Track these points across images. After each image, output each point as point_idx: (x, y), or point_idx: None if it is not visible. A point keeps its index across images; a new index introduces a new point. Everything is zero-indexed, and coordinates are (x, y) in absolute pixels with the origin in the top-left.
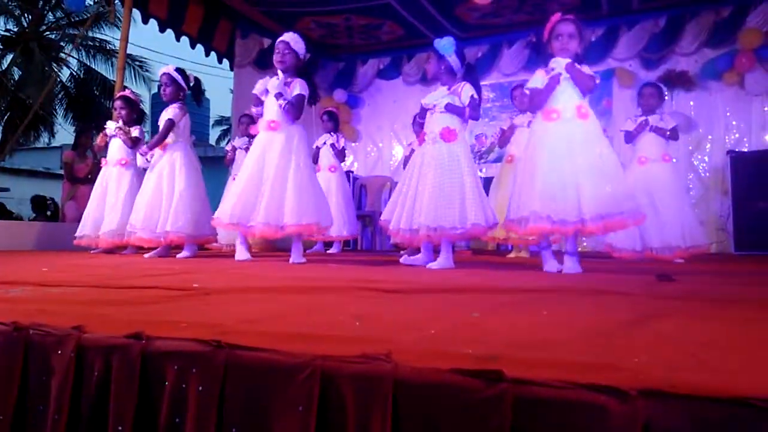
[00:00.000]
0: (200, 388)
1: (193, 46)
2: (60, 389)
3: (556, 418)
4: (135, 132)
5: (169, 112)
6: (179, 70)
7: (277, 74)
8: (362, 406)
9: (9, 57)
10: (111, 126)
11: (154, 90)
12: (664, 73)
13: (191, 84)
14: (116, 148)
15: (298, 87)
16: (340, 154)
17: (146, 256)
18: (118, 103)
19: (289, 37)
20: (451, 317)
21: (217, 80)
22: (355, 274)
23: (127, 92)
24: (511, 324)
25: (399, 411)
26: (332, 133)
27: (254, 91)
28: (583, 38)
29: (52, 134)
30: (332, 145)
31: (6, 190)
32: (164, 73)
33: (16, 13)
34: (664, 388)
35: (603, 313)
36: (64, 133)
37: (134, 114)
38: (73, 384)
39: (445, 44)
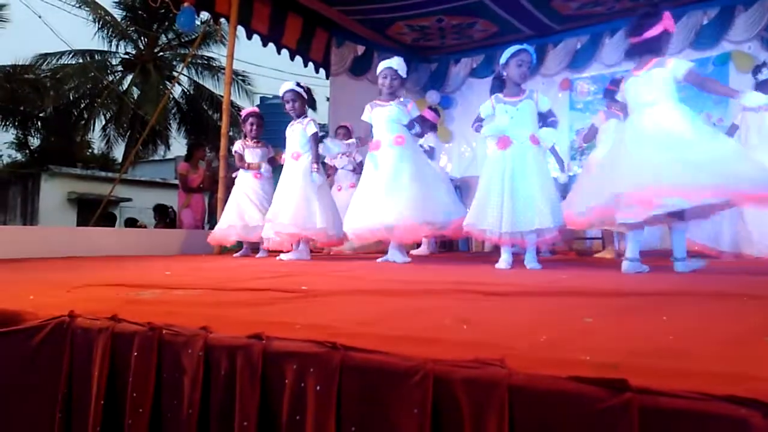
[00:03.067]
0: (318, 387)
1: (292, 58)
2: (191, 386)
3: (690, 431)
4: (259, 153)
5: (311, 127)
6: (298, 84)
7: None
8: (477, 412)
9: (129, 78)
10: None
11: (257, 102)
12: None
13: (308, 94)
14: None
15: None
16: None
17: (283, 257)
18: (253, 120)
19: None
20: (562, 322)
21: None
22: (455, 276)
23: (256, 110)
24: (627, 330)
25: (515, 418)
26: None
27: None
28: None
29: (167, 147)
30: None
31: (129, 200)
32: (289, 90)
33: (134, 37)
34: None
35: (732, 318)
36: (178, 145)
37: (262, 128)
38: (203, 381)
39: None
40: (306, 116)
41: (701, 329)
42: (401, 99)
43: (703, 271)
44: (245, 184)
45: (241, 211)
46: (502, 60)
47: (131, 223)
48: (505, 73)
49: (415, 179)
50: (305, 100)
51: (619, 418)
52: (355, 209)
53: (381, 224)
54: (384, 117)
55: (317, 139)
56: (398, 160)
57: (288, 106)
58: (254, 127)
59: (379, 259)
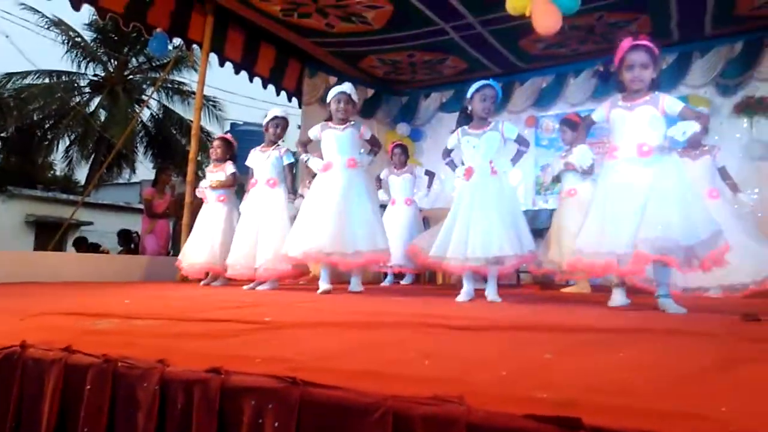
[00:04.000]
0: (276, 423)
1: (265, 86)
2: (146, 421)
3: None
4: (230, 168)
5: (289, 157)
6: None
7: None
8: None
9: (96, 100)
10: (205, 183)
11: (227, 128)
12: (742, 100)
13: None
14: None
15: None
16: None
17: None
18: (216, 143)
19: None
20: (523, 357)
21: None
22: (422, 308)
23: (228, 136)
24: (586, 366)
25: None
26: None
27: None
28: (658, 64)
29: (133, 170)
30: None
31: (90, 223)
32: (280, 117)
33: (104, 59)
34: None
35: (685, 356)
36: (144, 169)
37: (228, 154)
38: (158, 416)
39: None
40: (280, 145)
41: (655, 366)
42: (353, 123)
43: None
44: (210, 211)
45: (209, 238)
46: (468, 94)
47: (93, 248)
48: (470, 107)
49: (363, 204)
50: (286, 129)
51: None
52: (300, 230)
53: (320, 247)
54: (337, 139)
55: (293, 170)
56: (348, 183)
57: (272, 131)
58: (217, 150)
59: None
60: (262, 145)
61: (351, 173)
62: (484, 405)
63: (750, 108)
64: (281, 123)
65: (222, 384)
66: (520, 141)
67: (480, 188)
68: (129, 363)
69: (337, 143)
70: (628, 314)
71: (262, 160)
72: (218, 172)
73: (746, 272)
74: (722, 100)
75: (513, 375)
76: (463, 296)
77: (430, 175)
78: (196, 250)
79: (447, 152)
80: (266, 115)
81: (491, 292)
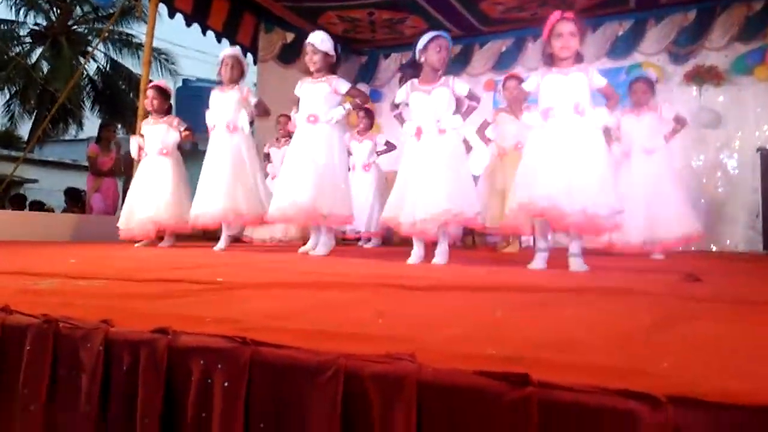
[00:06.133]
0: (226, 383)
1: (218, 40)
2: (90, 382)
3: (585, 424)
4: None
5: (253, 96)
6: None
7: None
8: (386, 407)
9: (38, 51)
10: (137, 142)
11: (179, 84)
12: (692, 68)
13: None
14: (155, 139)
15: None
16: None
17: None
18: (150, 93)
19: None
20: (475, 316)
21: None
22: (379, 270)
23: (161, 82)
24: (534, 324)
25: (423, 412)
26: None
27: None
28: (584, 36)
29: (80, 126)
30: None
31: (35, 181)
32: (234, 55)
33: (45, 8)
34: (695, 395)
35: (629, 315)
36: (91, 125)
37: (165, 105)
38: (102, 377)
39: None
40: (240, 85)
41: (599, 324)
42: (327, 76)
43: (610, 268)
44: (152, 165)
45: (154, 194)
46: (420, 45)
47: (37, 207)
48: (423, 59)
49: (320, 161)
50: (242, 71)
51: (520, 412)
52: (279, 188)
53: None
54: (308, 94)
55: (265, 105)
56: (311, 140)
57: (225, 69)
58: (153, 101)
59: (300, 249)
60: (219, 87)
61: (313, 130)
62: (435, 362)
63: (699, 76)
64: (230, 62)
65: (169, 344)
66: (471, 96)
67: (428, 147)
68: (71, 323)
69: (307, 97)
70: (576, 275)
71: (220, 103)
72: (158, 125)
73: (666, 229)
74: (674, 68)
75: (464, 333)
76: (413, 258)
77: (390, 147)
78: (139, 208)
79: (395, 106)
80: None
81: (440, 254)
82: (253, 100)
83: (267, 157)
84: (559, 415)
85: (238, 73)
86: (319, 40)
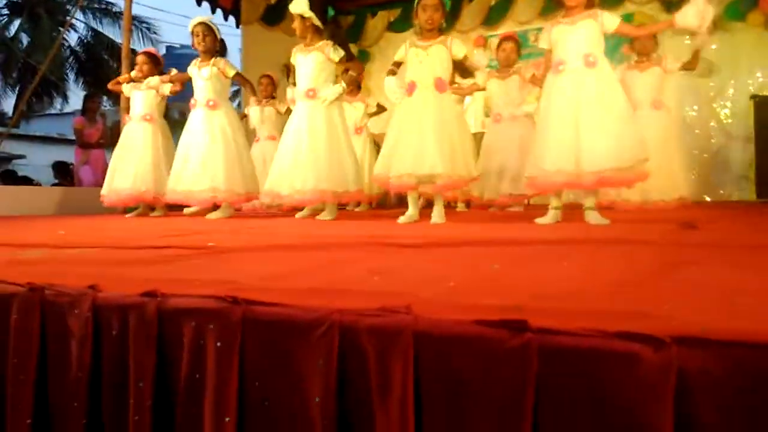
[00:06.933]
0: (218, 344)
1: (199, 3)
2: (80, 348)
3: (586, 367)
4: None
5: (231, 68)
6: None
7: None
8: (383, 360)
9: (17, 23)
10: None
11: (163, 51)
12: None
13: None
14: (140, 104)
15: None
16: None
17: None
18: (140, 58)
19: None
20: (471, 270)
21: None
22: (372, 230)
23: (151, 49)
24: (532, 275)
25: (420, 364)
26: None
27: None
28: None
29: (65, 99)
30: None
31: (22, 157)
32: (201, 23)
33: None
34: (699, 334)
35: (628, 262)
36: (76, 98)
37: (156, 71)
38: (93, 343)
39: None
40: (217, 56)
41: (599, 273)
42: (319, 44)
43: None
44: (135, 131)
45: (136, 161)
46: (415, 5)
47: (25, 182)
48: (416, 18)
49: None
50: (217, 39)
51: (519, 359)
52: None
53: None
54: (301, 66)
55: (243, 78)
56: (310, 116)
57: (197, 40)
58: (143, 66)
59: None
60: (197, 60)
61: (310, 105)
62: (432, 314)
63: None
64: (201, 31)
65: (158, 307)
66: (471, 64)
67: (421, 104)
68: (57, 290)
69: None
70: (570, 227)
71: (198, 78)
72: (145, 91)
73: (663, 192)
74: (666, 16)
75: (461, 286)
76: (404, 218)
77: (381, 109)
78: (121, 176)
79: (396, 64)
80: None
81: (437, 214)
82: (231, 72)
83: (243, 118)
84: (559, 360)
85: (211, 41)
86: (302, 7)
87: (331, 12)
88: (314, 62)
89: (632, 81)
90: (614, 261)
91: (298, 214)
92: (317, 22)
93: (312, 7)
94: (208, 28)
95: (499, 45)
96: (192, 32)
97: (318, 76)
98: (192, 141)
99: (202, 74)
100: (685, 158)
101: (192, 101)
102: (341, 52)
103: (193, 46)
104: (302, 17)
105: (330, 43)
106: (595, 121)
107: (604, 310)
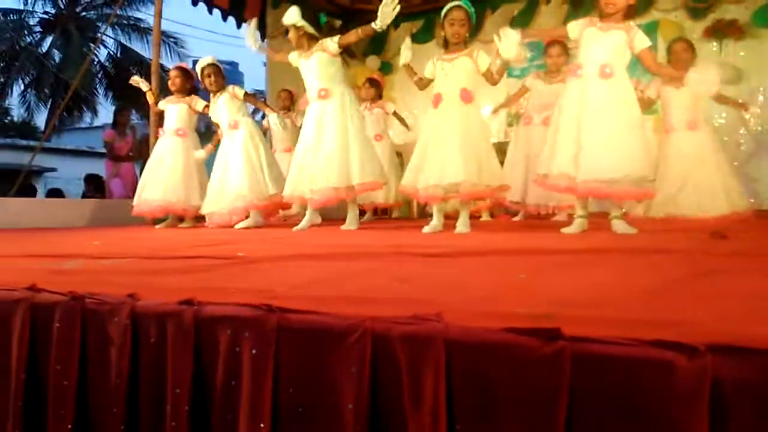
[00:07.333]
0: (254, 351)
1: (224, 19)
2: (119, 355)
3: (620, 375)
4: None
5: (240, 89)
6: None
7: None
8: (415, 367)
9: (49, 39)
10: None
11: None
12: (712, 23)
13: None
14: (174, 119)
15: None
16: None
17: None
18: (173, 72)
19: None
20: (498, 279)
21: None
22: (397, 240)
23: (183, 64)
24: (560, 284)
25: (452, 371)
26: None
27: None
28: None
29: (94, 113)
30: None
31: (54, 170)
32: (210, 64)
33: None
34: (733, 342)
35: (657, 271)
36: (106, 112)
37: (188, 85)
38: (131, 350)
39: None
40: (225, 87)
41: (628, 281)
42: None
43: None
44: (167, 145)
45: (167, 173)
46: (441, 20)
47: (56, 194)
48: (443, 34)
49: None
50: (223, 75)
51: (552, 366)
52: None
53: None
54: (305, 70)
55: (253, 97)
56: (322, 116)
57: (207, 82)
58: (176, 80)
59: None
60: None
61: (322, 105)
62: (461, 322)
63: (720, 31)
64: (210, 70)
65: (195, 315)
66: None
67: (446, 115)
68: (97, 299)
69: (307, 73)
70: (598, 236)
71: (219, 108)
72: (178, 104)
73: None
74: (692, 24)
75: (490, 294)
76: (428, 228)
77: (400, 119)
78: (152, 187)
79: (425, 80)
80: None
81: (462, 224)
82: (240, 93)
83: (266, 131)
84: (592, 368)
85: (221, 80)
86: (294, 18)
87: (323, 19)
88: (318, 63)
89: (668, 97)
90: (643, 269)
91: (295, 228)
92: (311, 30)
93: (304, 16)
94: (218, 69)
95: (545, 51)
96: (202, 71)
97: (325, 73)
98: (223, 161)
99: (220, 102)
100: (729, 172)
101: (219, 132)
102: (335, 36)
103: (203, 87)
104: (296, 27)
105: (326, 39)
106: (596, 132)
107: (634, 318)
